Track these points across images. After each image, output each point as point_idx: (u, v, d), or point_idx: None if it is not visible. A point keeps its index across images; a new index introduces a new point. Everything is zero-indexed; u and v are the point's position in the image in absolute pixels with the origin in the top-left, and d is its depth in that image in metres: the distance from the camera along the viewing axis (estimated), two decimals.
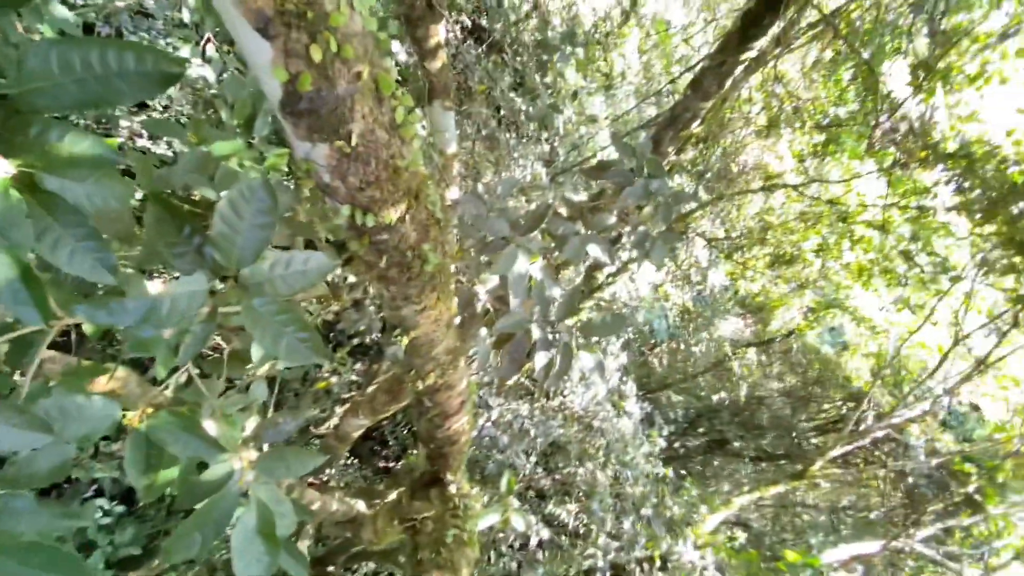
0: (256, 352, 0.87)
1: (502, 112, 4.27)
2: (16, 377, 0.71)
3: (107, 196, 0.55)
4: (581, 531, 4.20)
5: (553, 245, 1.42)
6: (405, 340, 1.18)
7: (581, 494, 4.32)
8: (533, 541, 4.10)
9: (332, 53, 0.59)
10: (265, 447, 0.73)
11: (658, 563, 3.88)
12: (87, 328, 0.74)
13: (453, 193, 3.06)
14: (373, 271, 0.98)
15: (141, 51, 0.56)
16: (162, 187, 0.77)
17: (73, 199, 0.51)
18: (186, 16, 1.96)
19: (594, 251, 1.38)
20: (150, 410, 0.69)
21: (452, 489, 1.84)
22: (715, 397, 6.81)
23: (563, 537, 4.07)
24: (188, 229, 0.67)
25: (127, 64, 0.55)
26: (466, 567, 1.50)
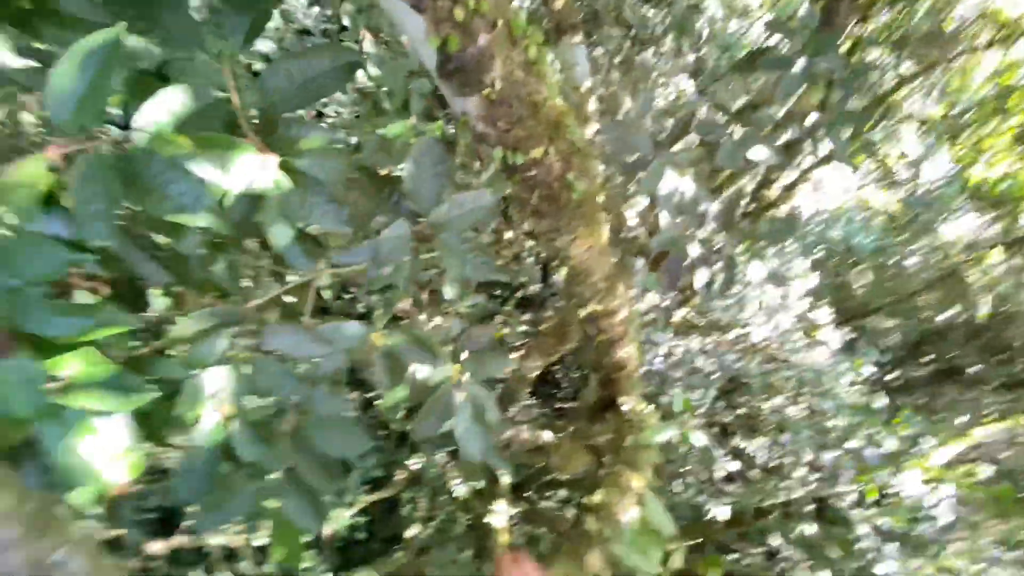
0: (448, 291, 1.06)
1: (635, 32, 4.00)
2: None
3: (335, 170, 0.73)
4: (772, 465, 4.01)
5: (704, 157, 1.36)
6: (563, 271, 1.29)
7: (771, 429, 4.11)
8: (718, 473, 4.05)
9: (471, 11, 0.68)
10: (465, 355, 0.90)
11: (873, 497, 3.54)
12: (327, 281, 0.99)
13: (592, 129, 3.04)
14: (527, 207, 1.08)
15: (330, 51, 0.72)
16: (361, 165, 0.97)
17: (315, 175, 0.70)
18: (346, 21, 2.30)
19: (756, 153, 1.29)
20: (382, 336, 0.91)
21: (626, 408, 1.95)
22: (942, 317, 5.69)
23: (753, 471, 3.95)
24: (387, 190, 0.85)
25: (324, 64, 0.72)
26: (647, 467, 1.60)
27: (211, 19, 0.68)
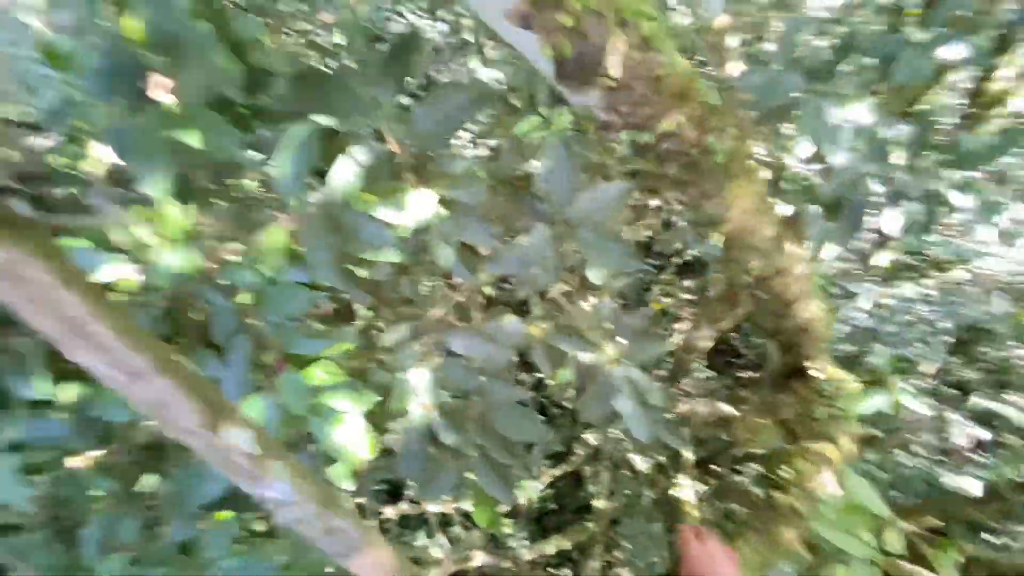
0: (594, 275, 1.10)
1: None
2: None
3: (478, 193, 0.83)
4: None
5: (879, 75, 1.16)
6: (719, 237, 1.22)
7: None
8: (960, 441, 3.36)
9: (577, 15, 0.70)
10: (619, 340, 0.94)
11: None
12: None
13: (734, 69, 2.75)
14: (666, 181, 1.06)
15: (465, 88, 0.82)
16: (498, 173, 1.07)
17: (462, 200, 0.81)
18: (468, 36, 2.47)
19: (951, 51, 1.06)
20: (542, 326, 0.99)
21: (816, 375, 1.76)
22: None
23: (1005, 435, 3.18)
24: (524, 197, 0.92)
25: (462, 100, 0.82)
26: (845, 440, 1.43)
27: (366, 81, 0.83)
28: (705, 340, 3.61)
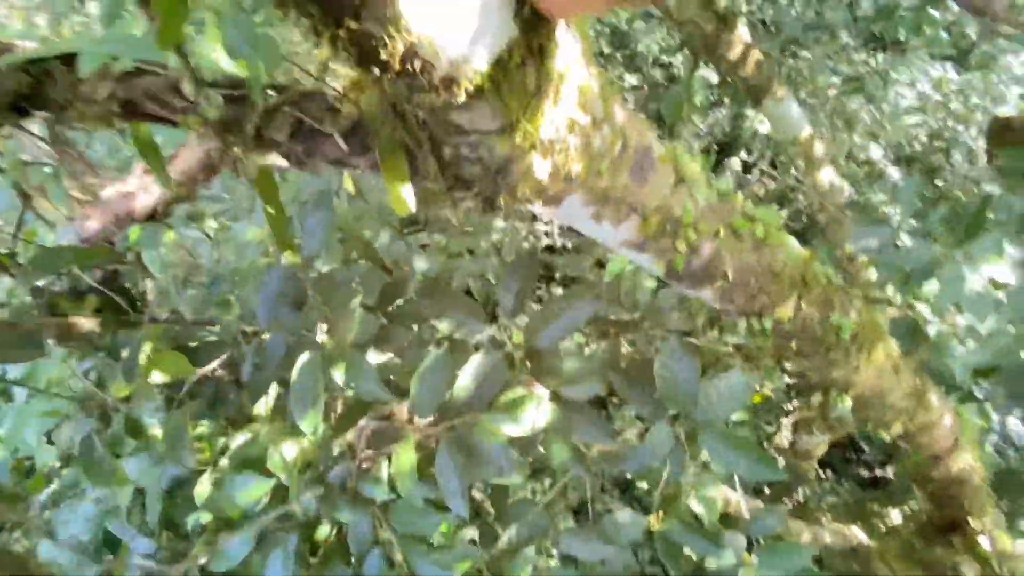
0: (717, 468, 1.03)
1: (851, 44, 3.46)
2: None
3: (591, 391, 0.83)
4: None
5: None
6: (847, 401, 1.12)
7: None
8: None
9: (692, 239, 0.72)
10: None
11: None
12: None
13: (826, 174, 2.68)
14: (785, 352, 1.01)
15: (581, 297, 0.85)
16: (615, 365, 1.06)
17: (575, 398, 0.81)
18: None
19: None
20: None
21: (983, 542, 1.47)
22: None
23: None
24: (643, 383, 0.91)
25: (581, 306, 0.84)
26: None
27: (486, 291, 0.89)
28: (819, 445, 3.21)
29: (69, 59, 0.57)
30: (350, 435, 0.79)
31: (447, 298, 0.88)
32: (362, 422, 0.78)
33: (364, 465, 0.79)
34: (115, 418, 0.84)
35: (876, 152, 3.39)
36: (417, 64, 0.42)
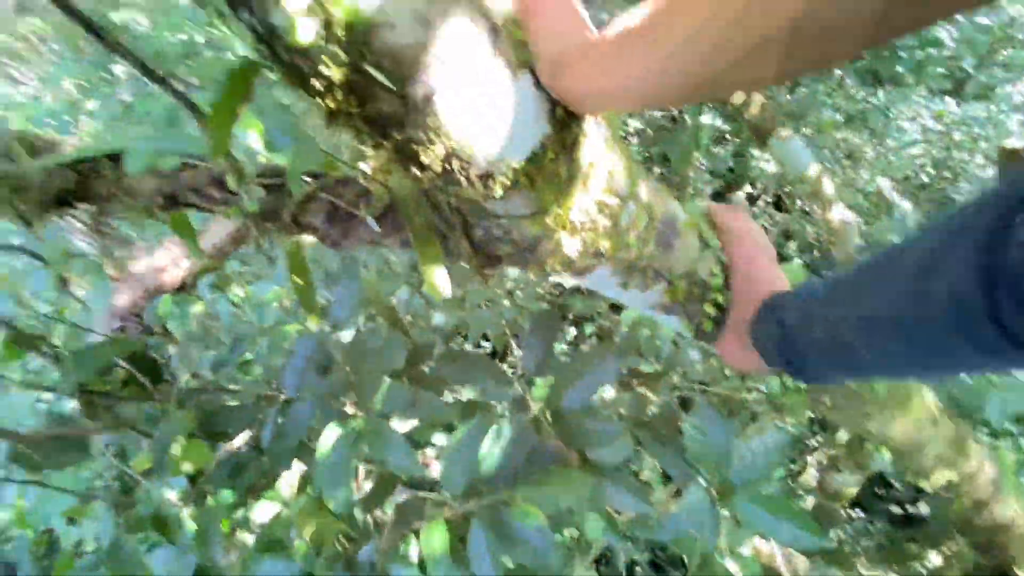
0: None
1: (856, 93, 3.53)
2: None
3: (621, 455, 0.81)
4: None
5: None
6: (884, 453, 1.08)
7: None
8: None
9: (721, 301, 0.72)
10: None
11: None
12: None
13: (837, 211, 2.70)
14: (818, 407, 0.98)
15: (603, 355, 0.84)
16: (643, 428, 1.05)
17: (605, 462, 0.79)
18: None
19: None
20: None
21: None
22: None
23: None
24: (671, 446, 0.89)
25: (606, 363, 0.84)
26: None
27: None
28: (852, 485, 3.09)
29: (115, 155, 0.60)
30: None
31: (471, 364, 0.88)
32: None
33: (390, 543, 0.77)
34: (138, 496, 0.83)
35: (884, 183, 3.40)
36: (456, 164, 0.43)
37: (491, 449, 0.79)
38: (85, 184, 0.60)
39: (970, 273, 0.38)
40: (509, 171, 0.45)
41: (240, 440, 0.88)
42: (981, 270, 0.38)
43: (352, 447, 0.68)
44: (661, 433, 0.93)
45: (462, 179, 0.45)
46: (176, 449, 0.77)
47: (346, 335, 0.97)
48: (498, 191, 0.46)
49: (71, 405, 0.78)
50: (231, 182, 0.55)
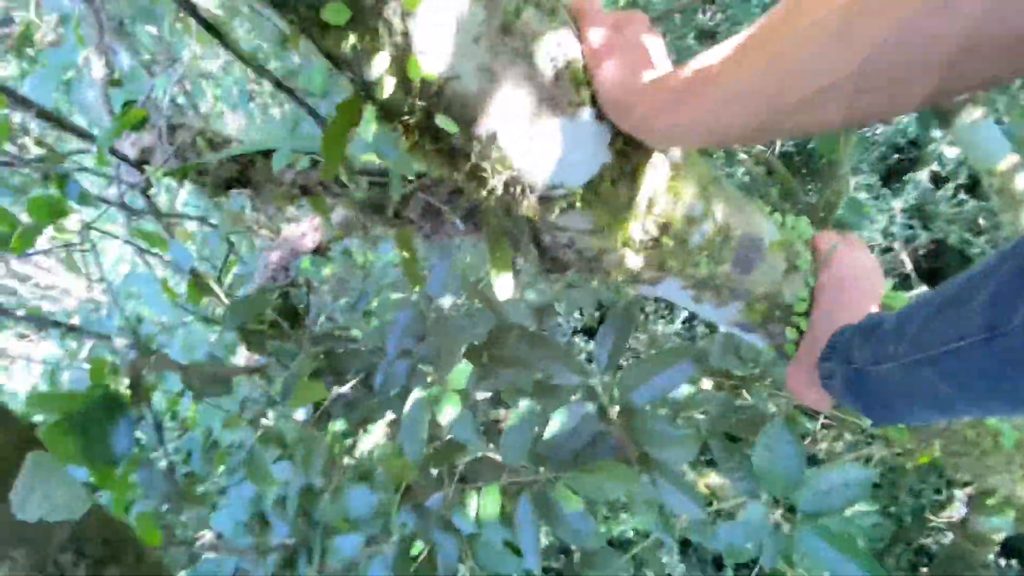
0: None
1: None
2: None
3: (685, 457, 0.82)
4: None
5: None
6: (1009, 513, 0.94)
7: None
8: None
9: (804, 327, 0.68)
10: None
11: None
12: None
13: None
14: (927, 449, 0.88)
15: (682, 354, 0.84)
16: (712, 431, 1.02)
17: (668, 463, 0.81)
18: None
19: None
20: None
21: None
22: None
23: None
24: (737, 457, 0.87)
25: (680, 364, 0.84)
26: None
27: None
28: (1002, 529, 2.63)
29: (267, 152, 0.74)
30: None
31: (546, 348, 0.94)
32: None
33: (455, 496, 0.88)
34: (272, 417, 1.04)
35: None
36: (517, 188, 0.48)
37: (553, 430, 0.85)
38: (245, 173, 0.76)
39: None
40: (568, 194, 0.48)
41: (355, 380, 1.06)
42: None
43: (426, 411, 0.79)
44: (734, 444, 0.91)
45: (523, 200, 0.49)
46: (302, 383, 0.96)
47: (447, 306, 1.09)
48: (555, 212, 0.50)
49: (232, 336, 0.99)
50: (344, 176, 0.65)
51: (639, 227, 0.54)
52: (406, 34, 0.37)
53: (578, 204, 0.49)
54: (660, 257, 0.58)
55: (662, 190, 0.52)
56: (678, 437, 0.84)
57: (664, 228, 0.55)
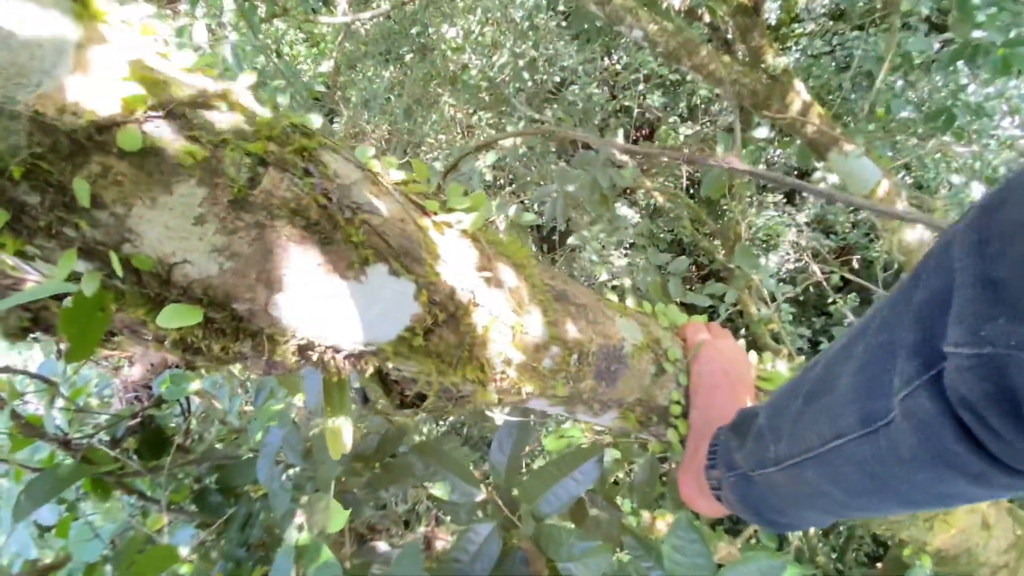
0: None
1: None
2: None
3: (599, 570, 0.75)
4: None
5: None
6: (927, 560, 0.94)
7: None
8: None
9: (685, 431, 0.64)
10: None
11: None
12: None
13: (913, 232, 2.40)
14: None
15: (584, 454, 0.79)
16: None
17: None
18: None
19: None
20: None
21: None
22: None
23: None
24: (653, 553, 0.82)
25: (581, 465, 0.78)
26: None
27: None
28: None
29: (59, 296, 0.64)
30: None
31: (440, 459, 0.85)
32: None
33: None
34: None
35: (977, 190, 2.99)
36: (319, 351, 0.41)
37: (458, 556, 0.76)
38: (39, 317, 0.64)
39: (928, 402, 0.31)
40: (378, 351, 0.42)
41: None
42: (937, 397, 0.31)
43: (293, 562, 0.68)
44: (647, 542, 0.86)
45: (329, 361, 0.42)
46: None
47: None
48: (370, 368, 0.43)
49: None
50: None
51: (482, 363, 0.48)
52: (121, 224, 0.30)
53: (395, 356, 0.43)
54: (516, 384, 0.53)
55: (494, 327, 0.47)
56: (589, 549, 0.78)
57: (507, 361, 0.49)
